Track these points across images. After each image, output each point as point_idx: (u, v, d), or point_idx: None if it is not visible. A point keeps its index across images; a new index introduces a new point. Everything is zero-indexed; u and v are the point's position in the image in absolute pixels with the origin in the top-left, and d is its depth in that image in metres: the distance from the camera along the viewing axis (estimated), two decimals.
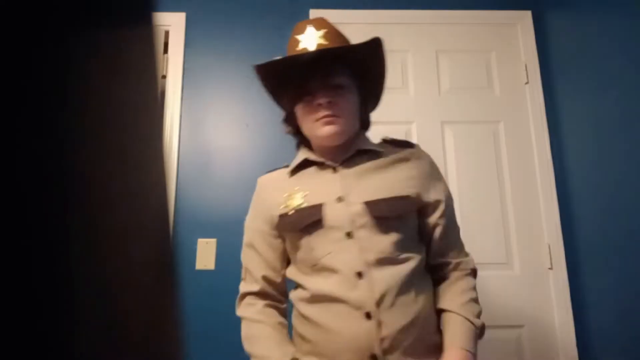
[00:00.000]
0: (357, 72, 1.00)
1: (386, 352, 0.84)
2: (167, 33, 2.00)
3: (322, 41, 0.96)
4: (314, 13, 2.04)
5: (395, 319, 0.86)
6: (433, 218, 0.99)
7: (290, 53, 0.98)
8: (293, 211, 0.96)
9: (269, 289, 1.01)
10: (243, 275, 1.05)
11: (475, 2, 2.12)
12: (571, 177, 1.88)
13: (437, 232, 0.99)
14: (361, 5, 2.07)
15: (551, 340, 1.79)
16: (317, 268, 0.93)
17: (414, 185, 0.98)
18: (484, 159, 1.95)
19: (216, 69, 2.00)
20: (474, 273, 1.01)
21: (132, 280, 0.18)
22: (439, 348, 0.91)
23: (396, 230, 0.93)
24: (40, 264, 0.13)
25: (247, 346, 0.97)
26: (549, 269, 1.85)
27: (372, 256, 0.90)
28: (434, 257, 1.00)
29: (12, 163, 0.13)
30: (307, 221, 0.94)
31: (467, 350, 0.88)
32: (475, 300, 0.96)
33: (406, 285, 0.89)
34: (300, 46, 0.97)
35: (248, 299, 1.02)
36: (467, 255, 1.03)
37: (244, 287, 1.04)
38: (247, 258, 1.05)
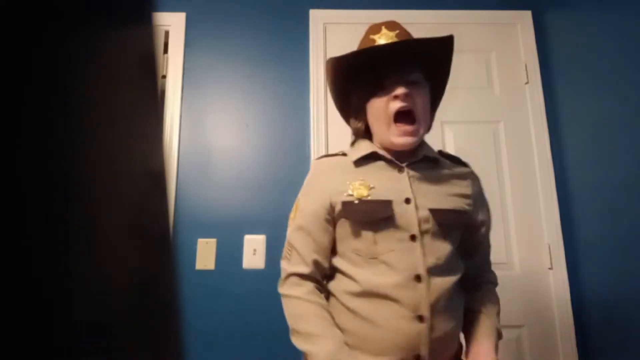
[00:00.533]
0: (427, 71, 1.01)
1: (431, 353, 0.89)
2: (167, 33, 2.00)
3: (395, 39, 0.97)
4: (313, 13, 2.04)
5: (444, 324, 0.90)
6: (478, 236, 1.06)
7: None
8: (358, 201, 0.95)
9: (317, 274, 1.00)
10: (287, 254, 1.03)
11: (475, 2, 2.12)
12: (571, 177, 1.88)
13: (479, 249, 1.08)
14: (361, 5, 2.07)
15: (551, 340, 1.79)
16: (374, 262, 0.93)
17: (469, 204, 1.01)
18: (484, 159, 1.95)
19: (216, 69, 2.00)
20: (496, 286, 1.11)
21: (132, 280, 0.18)
22: (454, 356, 0.99)
23: (453, 240, 0.98)
24: (41, 264, 0.13)
25: (296, 323, 0.94)
26: (549, 269, 1.85)
27: (431, 262, 0.92)
28: (472, 269, 1.08)
29: (12, 163, 0.13)
30: (379, 215, 0.93)
31: (495, 345, 0.97)
32: (499, 312, 1.06)
33: (455, 294, 0.95)
34: (376, 44, 0.97)
35: (294, 279, 0.99)
36: (493, 271, 1.13)
37: (290, 267, 1.00)
38: (298, 239, 1.01)
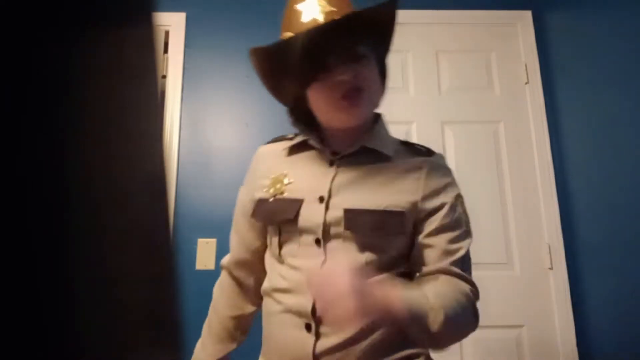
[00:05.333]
0: (371, 40, 0.87)
1: None
2: (167, 33, 2.00)
3: (329, 7, 0.83)
4: None
5: (336, 333, 0.75)
6: (426, 241, 0.82)
7: (293, 26, 0.84)
8: (272, 198, 0.87)
9: (240, 272, 0.98)
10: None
11: (475, 2, 2.11)
12: (571, 177, 1.88)
13: (434, 253, 0.82)
14: (359, 5, 2.07)
15: (551, 340, 1.79)
16: (282, 266, 0.86)
17: (413, 201, 0.82)
18: (484, 159, 1.95)
19: (216, 69, 2.00)
20: (474, 295, 0.79)
21: (132, 280, 0.18)
22: None
23: (375, 250, 0.80)
24: (41, 264, 0.13)
25: (209, 315, 1.00)
26: (549, 269, 1.85)
27: None
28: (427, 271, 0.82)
29: (12, 163, 0.13)
30: (282, 217, 0.84)
31: (407, 304, 0.68)
32: (459, 308, 0.73)
33: None
34: (305, 17, 0.82)
35: (222, 275, 1.02)
36: (471, 282, 0.81)
37: (223, 259, 1.02)
38: (232, 233, 1.00)
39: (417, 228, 0.83)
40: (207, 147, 1.91)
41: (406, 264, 0.85)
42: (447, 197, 0.87)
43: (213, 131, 1.93)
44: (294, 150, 0.92)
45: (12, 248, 0.13)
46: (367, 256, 0.80)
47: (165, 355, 0.20)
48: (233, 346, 0.98)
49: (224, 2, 2.06)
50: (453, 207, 0.86)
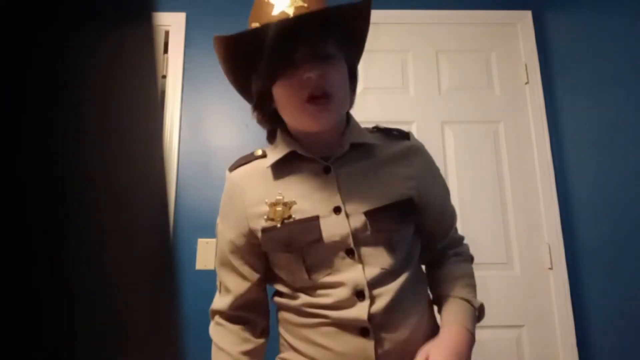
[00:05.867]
0: (342, 39, 0.83)
1: None
2: (167, 33, 2.00)
3: (300, 3, 0.79)
4: None
5: (393, 336, 0.78)
6: (434, 214, 0.90)
7: (261, 18, 0.81)
8: (280, 225, 0.80)
9: (245, 314, 0.89)
10: (218, 285, 0.92)
11: (475, 2, 2.11)
12: (571, 177, 1.88)
13: (436, 228, 0.92)
14: None
15: (551, 340, 1.79)
16: (310, 289, 0.82)
17: (413, 186, 0.85)
18: (484, 159, 1.95)
19: (216, 69, 1.99)
20: (471, 260, 0.95)
21: (132, 281, 0.18)
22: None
23: (402, 242, 0.83)
24: (41, 264, 0.13)
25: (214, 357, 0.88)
26: (549, 269, 1.85)
27: (375, 272, 0.79)
28: (434, 250, 0.93)
29: (11, 163, 0.13)
30: (304, 240, 0.79)
31: (466, 329, 0.79)
32: (473, 285, 0.89)
33: (403, 298, 0.81)
34: (275, 10, 0.79)
35: (217, 318, 0.91)
36: (463, 243, 0.97)
37: (215, 303, 0.92)
38: (222, 273, 0.90)
39: (419, 213, 0.88)
40: (207, 147, 1.91)
41: (419, 246, 0.91)
42: (436, 184, 0.93)
43: (213, 131, 1.93)
44: (280, 166, 0.85)
45: (12, 248, 0.13)
46: (399, 252, 0.82)
47: (165, 355, 0.20)
48: None
49: (224, 2, 2.06)
50: (444, 191, 0.95)
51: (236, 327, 0.89)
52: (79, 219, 0.15)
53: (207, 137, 1.93)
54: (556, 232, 1.86)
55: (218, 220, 0.91)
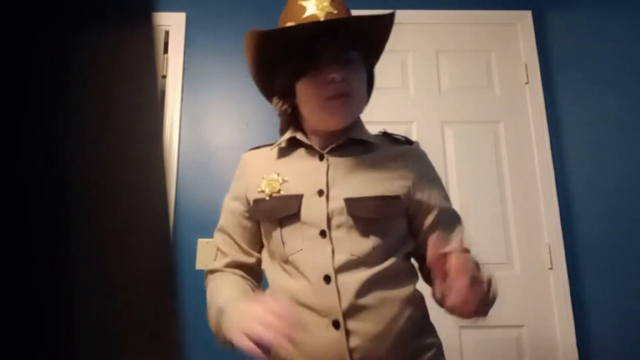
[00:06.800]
0: (364, 46, 0.90)
1: None
2: (167, 33, 2.00)
3: (331, 9, 0.86)
4: None
5: (365, 329, 0.77)
6: (425, 224, 0.89)
7: (294, 20, 0.87)
8: (268, 197, 0.87)
9: (238, 272, 0.92)
10: (214, 256, 0.96)
11: (475, 2, 2.11)
12: (571, 177, 1.88)
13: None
14: (358, 5, 2.07)
15: (551, 340, 1.79)
16: (286, 265, 0.85)
17: (406, 186, 0.87)
18: (484, 159, 1.95)
19: (216, 69, 2.00)
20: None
21: (132, 280, 0.18)
22: (421, 352, 0.83)
23: (378, 233, 0.83)
24: (40, 265, 0.13)
25: (210, 299, 0.87)
26: (549, 269, 1.85)
27: (343, 259, 0.80)
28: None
29: (11, 163, 0.13)
30: (283, 213, 0.85)
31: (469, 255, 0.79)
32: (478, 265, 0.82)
33: (378, 288, 0.80)
34: (307, 13, 0.85)
35: (211, 275, 0.94)
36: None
37: (210, 265, 0.95)
38: (221, 241, 0.95)
39: (413, 216, 0.89)
40: (207, 147, 1.91)
41: (407, 245, 0.89)
42: (433, 189, 0.92)
43: (213, 131, 1.93)
44: (282, 151, 0.94)
45: (11, 249, 0.13)
46: (373, 241, 0.82)
47: (165, 355, 0.20)
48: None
49: (224, 2, 2.06)
50: (444, 206, 0.92)
51: (230, 271, 0.92)
52: (79, 219, 0.15)
53: (207, 137, 1.93)
54: (556, 232, 1.86)
55: (225, 196, 1.00)
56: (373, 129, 1.09)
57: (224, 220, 0.96)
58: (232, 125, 1.94)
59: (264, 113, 1.95)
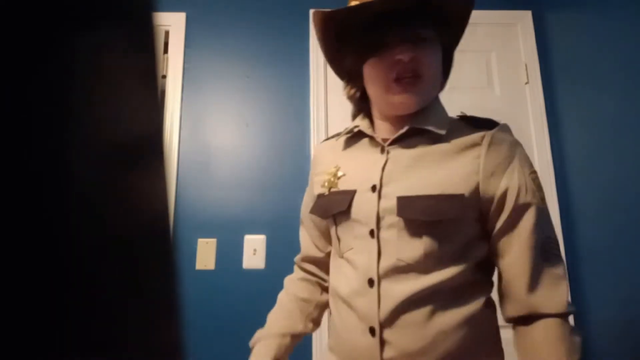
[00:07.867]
0: (440, 22, 0.81)
1: None
2: (167, 33, 2.00)
3: None
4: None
5: (402, 342, 0.71)
6: (498, 228, 0.76)
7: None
8: (327, 192, 0.85)
9: (309, 266, 0.98)
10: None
11: (475, 2, 2.11)
12: (571, 177, 1.88)
13: (509, 250, 0.77)
14: None
15: None
16: (341, 261, 0.83)
17: (474, 181, 0.75)
18: None
19: (216, 69, 2.00)
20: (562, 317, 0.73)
21: (132, 280, 0.18)
22: None
23: (435, 237, 0.73)
24: (40, 265, 0.13)
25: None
26: None
27: (389, 263, 0.73)
28: (507, 288, 0.80)
29: (11, 163, 0.13)
30: (335, 209, 0.82)
31: None
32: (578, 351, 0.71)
33: (429, 304, 0.71)
34: None
35: (295, 269, 1.03)
36: (557, 292, 0.74)
37: (296, 257, 1.03)
38: (300, 233, 1.02)
39: (485, 215, 0.77)
40: (207, 147, 1.91)
41: (477, 251, 0.78)
42: (512, 179, 0.76)
43: (213, 131, 1.93)
44: (349, 142, 0.90)
45: (11, 249, 0.13)
46: (426, 247, 0.73)
47: (166, 355, 0.20)
48: (300, 328, 0.92)
49: (224, 2, 2.06)
50: (519, 193, 0.76)
51: (303, 276, 0.98)
52: (78, 219, 0.15)
53: (207, 137, 1.93)
54: (556, 232, 1.86)
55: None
56: None
57: (302, 214, 1.01)
58: (232, 125, 1.94)
59: (264, 113, 1.95)
